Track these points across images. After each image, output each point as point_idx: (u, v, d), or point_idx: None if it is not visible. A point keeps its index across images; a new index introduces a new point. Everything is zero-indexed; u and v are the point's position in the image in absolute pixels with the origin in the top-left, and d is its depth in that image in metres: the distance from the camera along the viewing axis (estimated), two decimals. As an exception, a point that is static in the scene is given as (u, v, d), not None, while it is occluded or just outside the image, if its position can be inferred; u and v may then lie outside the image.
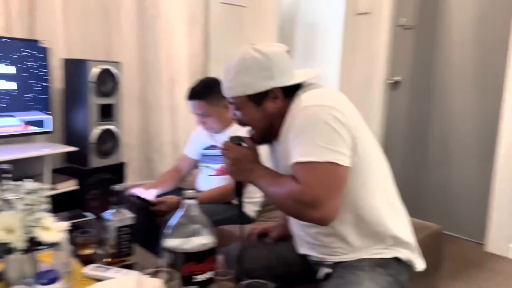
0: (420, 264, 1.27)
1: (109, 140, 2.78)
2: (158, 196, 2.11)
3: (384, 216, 1.20)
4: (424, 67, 3.01)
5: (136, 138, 3.32)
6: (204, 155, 2.24)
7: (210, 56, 3.74)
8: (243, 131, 1.97)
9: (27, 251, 1.07)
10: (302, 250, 1.34)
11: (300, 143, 1.09)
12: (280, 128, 1.20)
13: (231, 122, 2.07)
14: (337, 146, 1.07)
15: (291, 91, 1.19)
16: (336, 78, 3.57)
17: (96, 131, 2.68)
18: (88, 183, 2.68)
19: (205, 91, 2.04)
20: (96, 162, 2.72)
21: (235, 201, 2.08)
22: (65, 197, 2.54)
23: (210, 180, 2.17)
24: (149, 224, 1.93)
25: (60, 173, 2.69)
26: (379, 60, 3.17)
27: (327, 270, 1.23)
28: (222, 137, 2.08)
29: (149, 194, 2.08)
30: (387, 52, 3.15)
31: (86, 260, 1.37)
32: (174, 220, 0.98)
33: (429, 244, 1.77)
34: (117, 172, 2.87)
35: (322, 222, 1.11)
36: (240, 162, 1.21)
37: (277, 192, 1.14)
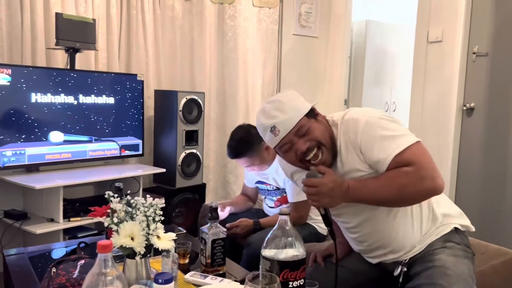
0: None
1: (192, 163, 3.05)
2: (232, 215, 2.29)
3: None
4: (499, 94, 2.98)
5: (214, 161, 3.58)
6: (259, 188, 2.36)
7: (281, 84, 3.96)
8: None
9: (144, 255, 1.27)
10: (376, 260, 1.44)
11: (382, 145, 1.21)
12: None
13: (275, 157, 2.15)
14: (406, 130, 1.24)
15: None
16: (406, 104, 3.61)
17: (182, 154, 2.96)
18: (174, 201, 2.95)
19: (243, 148, 2.14)
20: (180, 182, 2.99)
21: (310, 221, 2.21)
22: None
23: (272, 211, 2.31)
24: (230, 242, 2.10)
25: (148, 192, 2.98)
26: (451, 86, 3.18)
27: (402, 268, 1.35)
28: (269, 173, 2.21)
29: (224, 215, 2.26)
30: (460, 79, 3.15)
31: (184, 268, 1.57)
32: (270, 232, 1.13)
33: (507, 271, 1.77)
34: (199, 192, 3.12)
35: (442, 187, 1.21)
36: (334, 190, 1.21)
37: (392, 187, 1.20)
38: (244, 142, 2.13)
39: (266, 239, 1.13)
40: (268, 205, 2.34)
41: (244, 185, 2.51)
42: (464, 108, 3.16)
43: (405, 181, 1.18)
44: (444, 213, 1.37)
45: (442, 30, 3.22)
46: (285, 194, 2.20)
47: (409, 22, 3.87)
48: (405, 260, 1.36)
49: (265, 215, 2.33)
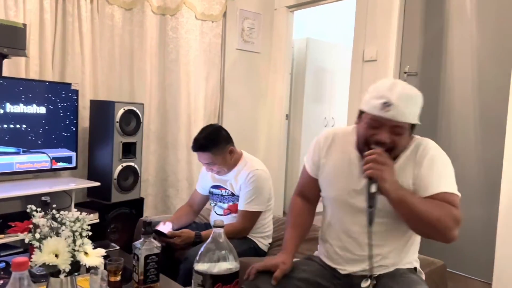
0: None
1: (130, 176, 2.94)
2: (175, 230, 2.22)
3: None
4: (428, 111, 3.17)
5: (154, 174, 3.48)
6: (212, 193, 2.33)
7: (224, 98, 3.96)
8: (246, 172, 2.14)
9: (69, 273, 1.20)
10: (346, 270, 1.47)
11: (439, 177, 1.35)
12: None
13: (236, 163, 2.21)
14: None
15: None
16: (344, 120, 3.74)
17: (118, 167, 2.85)
18: (109, 216, 2.82)
19: (209, 143, 2.13)
20: (116, 197, 2.87)
21: (250, 236, 2.20)
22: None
23: (221, 219, 2.26)
24: (168, 256, 2.04)
25: (82, 207, 2.83)
26: (385, 104, 3.35)
27: (371, 281, 1.42)
28: (228, 178, 2.22)
29: (166, 229, 2.17)
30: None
31: (115, 286, 1.49)
32: (203, 246, 1.11)
33: (434, 279, 1.85)
34: (136, 206, 3.01)
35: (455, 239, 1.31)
36: (393, 173, 1.30)
37: (434, 210, 1.28)
38: (212, 138, 2.14)
39: (199, 252, 1.11)
40: (217, 213, 2.29)
41: (195, 192, 2.43)
42: (397, 124, 3.33)
43: (443, 214, 1.28)
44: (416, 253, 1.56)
45: (377, 50, 3.39)
46: (237, 202, 2.19)
47: (347, 41, 4.04)
48: (375, 275, 1.43)
49: (208, 228, 2.29)
